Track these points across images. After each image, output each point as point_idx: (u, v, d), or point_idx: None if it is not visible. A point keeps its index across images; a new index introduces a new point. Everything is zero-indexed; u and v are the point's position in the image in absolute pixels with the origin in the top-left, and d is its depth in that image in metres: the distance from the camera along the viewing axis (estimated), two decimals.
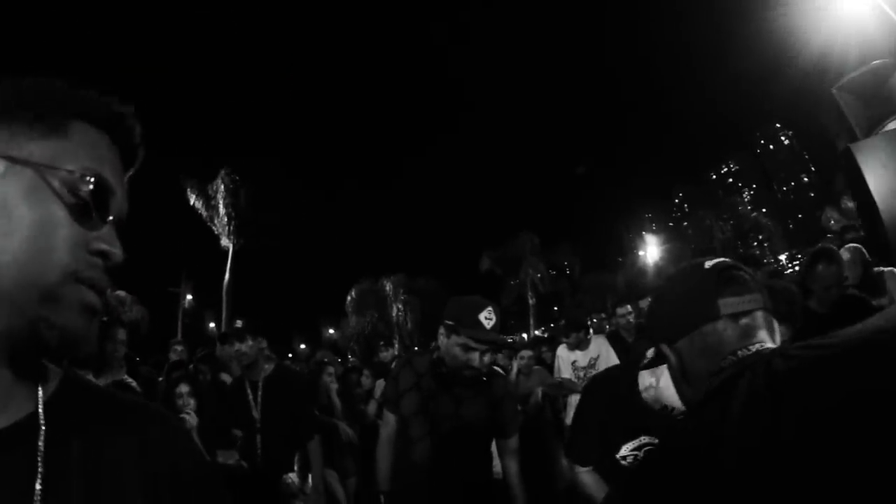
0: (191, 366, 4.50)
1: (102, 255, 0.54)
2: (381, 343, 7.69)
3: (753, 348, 0.77)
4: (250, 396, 3.13)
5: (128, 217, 0.60)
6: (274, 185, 22.56)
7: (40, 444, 0.51)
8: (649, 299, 4.19)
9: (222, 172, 21.67)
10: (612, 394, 1.87)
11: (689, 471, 0.67)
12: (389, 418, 2.33)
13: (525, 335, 28.19)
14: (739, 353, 0.77)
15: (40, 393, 0.54)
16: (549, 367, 5.06)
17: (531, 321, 33.55)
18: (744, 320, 0.79)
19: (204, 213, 21.70)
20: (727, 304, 0.79)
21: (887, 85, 2.93)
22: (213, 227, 21.82)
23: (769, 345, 0.77)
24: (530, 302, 33.55)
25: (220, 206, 21.69)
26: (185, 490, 0.59)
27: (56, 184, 0.52)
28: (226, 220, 21.74)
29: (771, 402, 0.63)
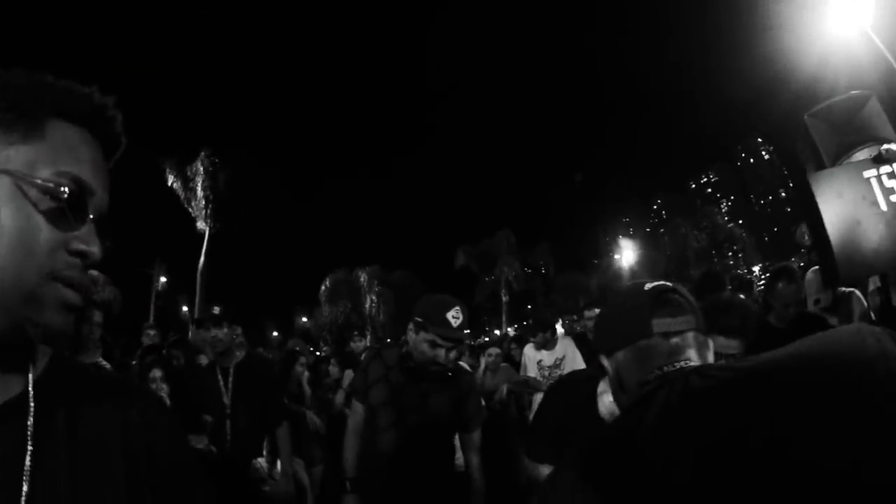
0: (163, 350, 4.47)
1: (81, 254, 0.56)
2: (355, 333, 7.69)
3: (678, 364, 0.85)
4: (221, 382, 3.16)
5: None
6: (254, 171, 22.28)
7: (30, 421, 0.55)
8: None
9: (202, 154, 21.33)
10: (572, 399, 1.94)
11: (610, 469, 0.75)
12: (358, 408, 2.41)
13: (497, 332, 28.42)
14: (665, 368, 0.85)
15: (30, 375, 0.58)
16: (517, 364, 5.15)
17: (504, 318, 33.77)
18: (674, 339, 0.88)
19: (181, 195, 21.35)
20: (659, 324, 0.88)
21: (860, 115, 3.05)
22: (190, 210, 21.48)
23: (693, 363, 0.85)
24: (503, 299, 33.76)
25: (199, 188, 21.35)
26: (163, 464, 0.63)
27: (33, 192, 0.54)
28: (203, 202, 21.40)
29: (682, 417, 0.72)
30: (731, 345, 1.83)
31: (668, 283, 0.93)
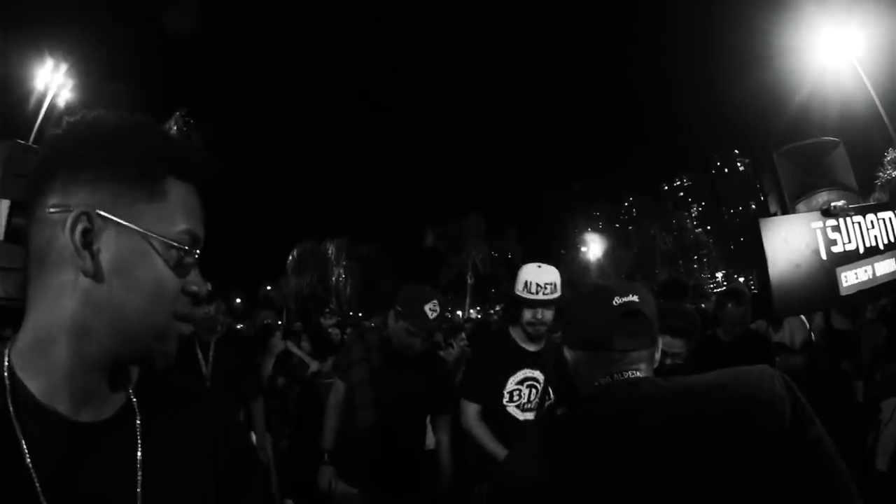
0: None
1: (194, 295, 0.67)
2: (325, 310, 7.70)
3: (627, 374, 0.97)
4: (200, 355, 3.21)
5: None
6: (228, 134, 21.85)
7: (137, 424, 0.67)
8: None
9: (177, 114, 20.86)
10: (492, 345, 2.57)
11: (555, 453, 0.92)
12: (339, 386, 2.59)
13: (460, 313, 28.76)
14: (615, 375, 0.97)
15: (130, 388, 0.70)
16: None
17: (468, 301, 34.08)
18: (631, 353, 0.98)
19: None
20: (621, 342, 0.97)
21: (826, 160, 3.28)
22: None
23: (641, 373, 0.98)
24: (469, 282, 34.04)
25: None
26: (234, 449, 0.76)
27: (161, 249, 0.63)
28: None
29: (622, 416, 0.90)
30: (676, 344, 2.13)
31: (636, 299, 0.99)
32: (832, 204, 2.18)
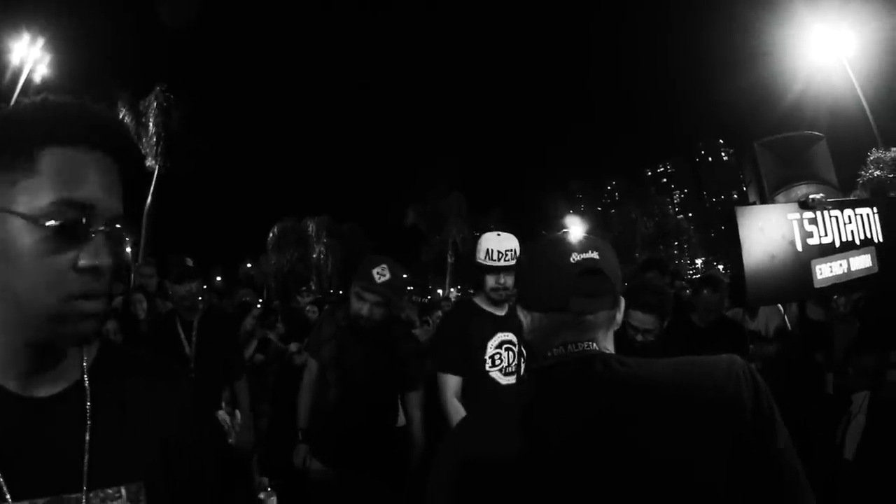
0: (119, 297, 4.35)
1: (91, 269, 0.61)
2: (302, 289, 7.65)
3: (582, 345, 0.89)
4: (182, 335, 3.13)
5: None
6: (209, 111, 21.44)
7: (87, 403, 0.68)
8: None
9: (157, 89, 20.32)
10: (464, 312, 2.62)
11: (500, 430, 0.86)
12: (312, 364, 2.61)
13: (440, 292, 28.82)
14: (569, 346, 0.90)
15: (85, 364, 0.71)
16: None
17: (447, 279, 34.16)
18: (588, 317, 0.89)
19: (132, 130, 20.33)
20: (577, 302, 0.89)
21: (807, 153, 3.30)
22: (140, 146, 20.52)
23: (596, 346, 0.90)
24: (449, 261, 34.07)
25: (151, 124, 20.40)
26: (186, 437, 0.76)
27: (34, 227, 0.59)
28: (155, 139, 20.49)
29: (573, 396, 0.84)
30: (648, 320, 2.16)
31: (595, 256, 0.90)
32: (810, 197, 2.19)
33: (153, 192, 20.76)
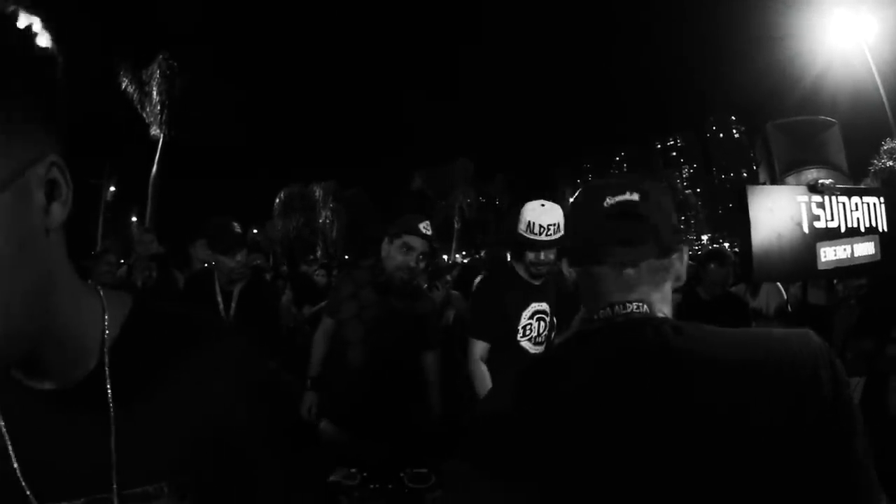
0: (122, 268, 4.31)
1: None
2: (310, 257, 7.72)
3: (631, 307, 0.77)
4: (221, 306, 2.88)
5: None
6: (213, 78, 21.21)
7: (109, 392, 0.60)
8: None
9: (160, 57, 20.07)
10: (504, 280, 2.57)
11: (532, 399, 0.75)
12: (327, 321, 2.61)
13: (445, 257, 28.98)
14: (616, 307, 0.78)
15: (105, 348, 0.61)
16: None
17: (454, 245, 34.28)
18: (628, 270, 0.78)
19: (135, 99, 20.18)
20: (613, 253, 0.78)
21: (819, 137, 3.27)
22: (144, 115, 20.40)
23: (646, 308, 0.78)
24: (456, 226, 34.19)
25: (154, 92, 20.21)
26: (239, 418, 0.66)
27: None
28: (158, 108, 20.33)
29: (621, 370, 0.71)
30: None
31: (634, 197, 0.78)
32: (820, 181, 2.18)
33: (158, 161, 20.72)
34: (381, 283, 2.43)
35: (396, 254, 2.36)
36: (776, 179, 3.62)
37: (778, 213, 2.10)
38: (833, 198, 2.16)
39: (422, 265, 2.40)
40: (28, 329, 0.53)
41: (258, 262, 6.03)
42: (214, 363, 0.66)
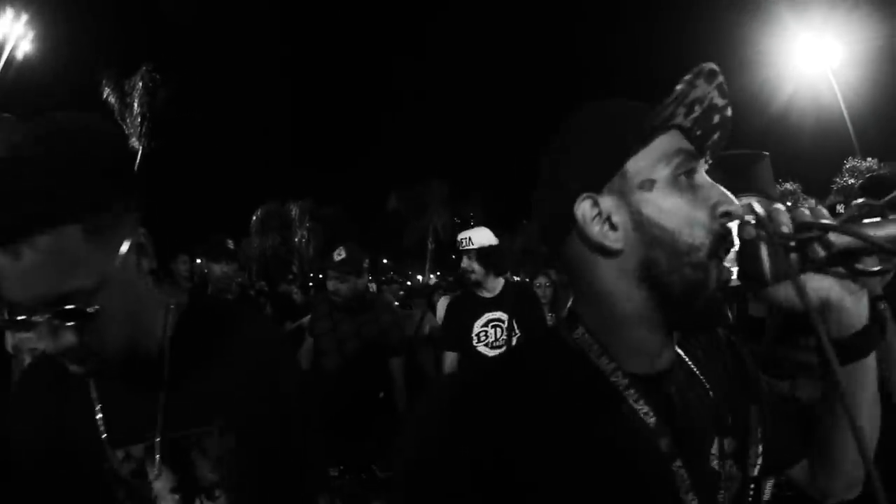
0: None
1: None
2: (289, 276, 7.89)
3: None
4: None
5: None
6: (194, 91, 21.26)
7: (166, 364, 0.89)
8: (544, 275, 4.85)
9: (143, 69, 20.17)
10: (459, 298, 3.14)
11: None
12: (308, 341, 3.06)
13: (420, 278, 29.14)
14: None
15: (167, 334, 0.91)
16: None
17: (427, 265, 34.56)
18: None
19: (116, 110, 20.20)
20: None
21: (752, 169, 3.67)
22: (125, 126, 20.40)
23: None
24: (430, 247, 34.44)
25: (136, 104, 20.30)
26: (270, 375, 0.95)
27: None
28: (139, 119, 20.40)
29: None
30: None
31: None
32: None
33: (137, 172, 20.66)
34: (343, 304, 2.92)
35: (331, 283, 2.91)
36: None
37: None
38: None
39: (342, 288, 2.88)
40: (130, 334, 0.84)
41: (240, 279, 6.23)
42: (256, 338, 0.97)
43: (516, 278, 6.73)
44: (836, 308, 0.63)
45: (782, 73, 20.34)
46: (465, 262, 3.00)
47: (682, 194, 0.64)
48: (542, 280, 4.80)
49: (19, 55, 16.81)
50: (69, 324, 0.74)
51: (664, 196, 0.64)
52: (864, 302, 0.65)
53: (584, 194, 0.66)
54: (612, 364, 0.67)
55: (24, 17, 16.69)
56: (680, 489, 0.63)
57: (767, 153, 4.01)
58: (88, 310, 0.74)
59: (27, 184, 0.68)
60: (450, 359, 2.96)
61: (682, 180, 0.65)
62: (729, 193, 0.66)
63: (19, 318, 0.72)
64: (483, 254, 2.99)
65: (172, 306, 0.94)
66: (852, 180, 17.25)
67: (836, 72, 17.66)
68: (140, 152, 20.54)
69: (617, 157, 0.66)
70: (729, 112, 0.69)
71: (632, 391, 0.65)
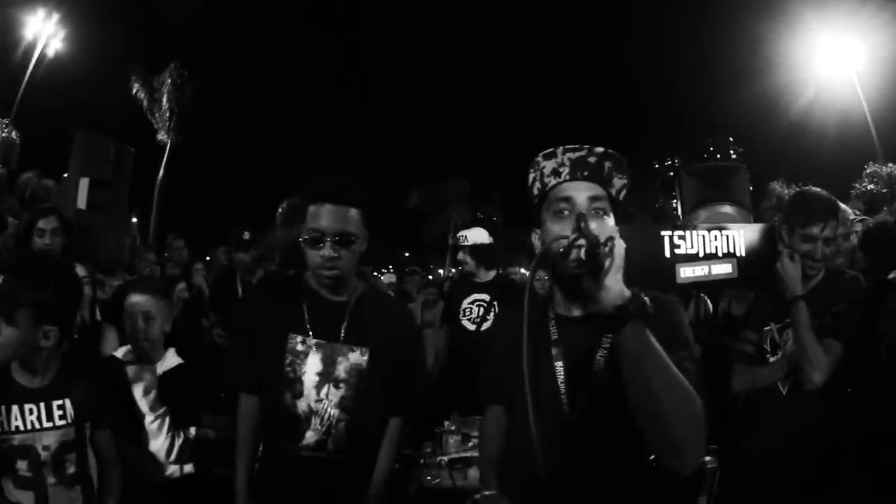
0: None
1: (325, 258, 1.76)
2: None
3: None
4: (240, 293, 4.31)
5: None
6: (222, 86, 21.90)
7: (349, 307, 1.85)
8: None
9: (171, 66, 20.84)
10: (455, 282, 4.16)
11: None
12: None
13: (441, 272, 29.75)
14: None
15: (356, 290, 1.94)
16: None
17: (447, 260, 35.10)
18: None
19: (145, 104, 20.92)
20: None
21: (728, 179, 4.08)
22: (153, 120, 21.12)
23: None
24: (449, 242, 34.90)
25: (164, 98, 20.97)
26: (404, 335, 2.02)
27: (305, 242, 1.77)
28: (168, 114, 21.08)
29: None
30: None
31: None
32: (678, 223, 2.86)
33: (165, 166, 21.39)
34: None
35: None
36: (685, 213, 4.39)
37: (644, 246, 2.72)
38: (694, 232, 2.83)
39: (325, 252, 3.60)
40: (349, 279, 1.85)
41: (272, 267, 6.65)
42: (395, 304, 2.38)
43: (524, 271, 7.84)
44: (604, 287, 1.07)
45: (804, 75, 20.09)
46: (460, 255, 3.75)
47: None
48: (541, 273, 5.14)
49: (50, 53, 17.45)
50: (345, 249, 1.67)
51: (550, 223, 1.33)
52: (621, 287, 1.06)
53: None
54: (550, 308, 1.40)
55: (56, 17, 17.31)
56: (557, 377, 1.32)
57: (744, 165, 4.30)
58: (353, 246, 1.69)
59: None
60: (444, 330, 3.89)
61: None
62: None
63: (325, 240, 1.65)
64: (475, 249, 3.73)
65: (361, 281, 1.89)
66: (872, 186, 16.88)
67: (859, 74, 17.46)
68: (168, 146, 21.27)
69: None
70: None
71: (553, 320, 1.37)
